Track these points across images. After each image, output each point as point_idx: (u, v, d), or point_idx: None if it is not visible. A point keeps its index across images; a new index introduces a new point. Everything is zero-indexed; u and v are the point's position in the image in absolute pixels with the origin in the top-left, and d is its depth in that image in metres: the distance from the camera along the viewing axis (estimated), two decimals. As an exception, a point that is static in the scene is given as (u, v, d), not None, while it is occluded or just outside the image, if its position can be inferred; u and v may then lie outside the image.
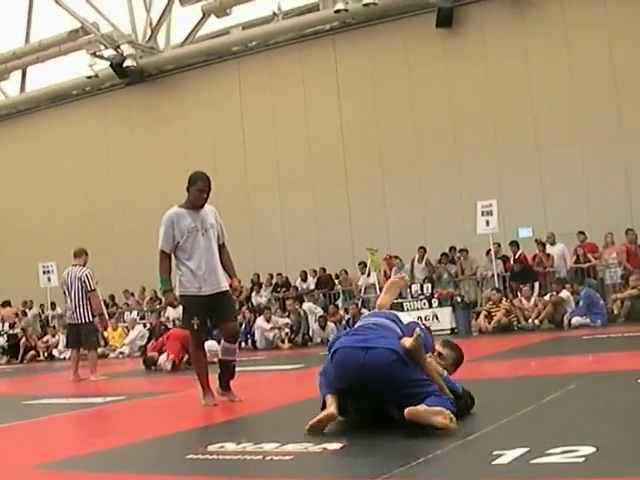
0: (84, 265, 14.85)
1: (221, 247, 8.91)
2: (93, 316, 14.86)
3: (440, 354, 6.39)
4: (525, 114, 24.40)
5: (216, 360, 15.42)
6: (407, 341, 5.80)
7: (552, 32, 24.30)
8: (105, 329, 23.48)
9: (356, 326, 6.30)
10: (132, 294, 29.47)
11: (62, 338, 23.86)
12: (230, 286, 8.96)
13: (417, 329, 5.91)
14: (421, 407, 5.44)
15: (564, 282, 19.95)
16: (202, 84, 30.28)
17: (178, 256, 8.72)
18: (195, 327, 8.65)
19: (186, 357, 15.85)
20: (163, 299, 8.61)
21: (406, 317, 6.46)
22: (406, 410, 5.41)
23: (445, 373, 6.14)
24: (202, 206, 8.77)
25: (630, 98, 22.93)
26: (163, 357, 15.93)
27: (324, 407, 5.89)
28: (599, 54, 23.54)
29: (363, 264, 24.37)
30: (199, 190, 8.73)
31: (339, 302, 24.34)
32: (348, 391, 5.83)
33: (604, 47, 23.47)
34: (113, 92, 32.55)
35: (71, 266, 15.17)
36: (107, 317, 27.50)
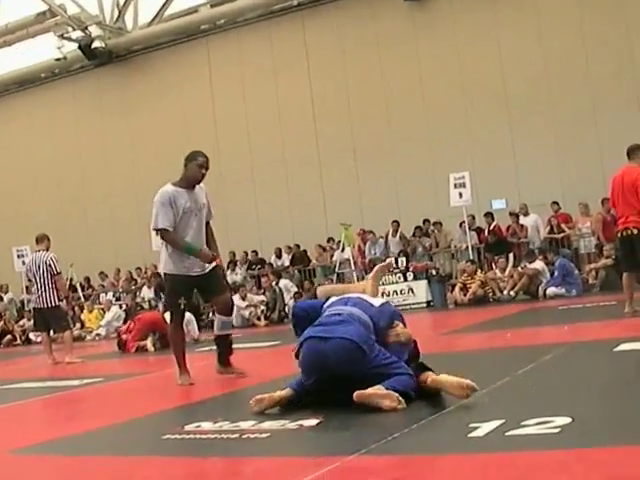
0: (47, 250, 14.80)
1: (206, 225, 8.88)
2: (59, 299, 14.82)
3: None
4: (497, 86, 24.41)
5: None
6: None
7: (523, 5, 24.30)
8: (73, 311, 23.47)
9: (324, 315, 6.27)
10: (107, 276, 29.42)
11: (29, 323, 23.81)
12: None
13: (398, 323, 5.96)
14: (370, 390, 5.46)
15: (533, 255, 19.99)
16: (172, 63, 30.13)
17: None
18: (181, 307, 8.61)
19: (149, 341, 15.90)
20: (200, 258, 8.34)
21: (375, 299, 6.45)
22: (354, 394, 5.45)
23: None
24: (198, 184, 8.68)
25: (601, 71, 22.98)
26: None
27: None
28: (570, 27, 23.56)
29: (332, 240, 24.48)
30: (199, 165, 8.59)
31: (316, 278, 24.34)
32: (320, 380, 5.84)
33: (575, 21, 23.50)
34: (82, 74, 32.36)
35: (34, 252, 15.19)
36: (83, 300, 27.58)
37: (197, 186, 8.71)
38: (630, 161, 11.62)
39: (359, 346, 5.70)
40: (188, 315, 16.77)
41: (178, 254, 8.49)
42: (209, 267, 8.63)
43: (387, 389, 5.47)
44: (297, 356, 6.02)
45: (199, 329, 18.34)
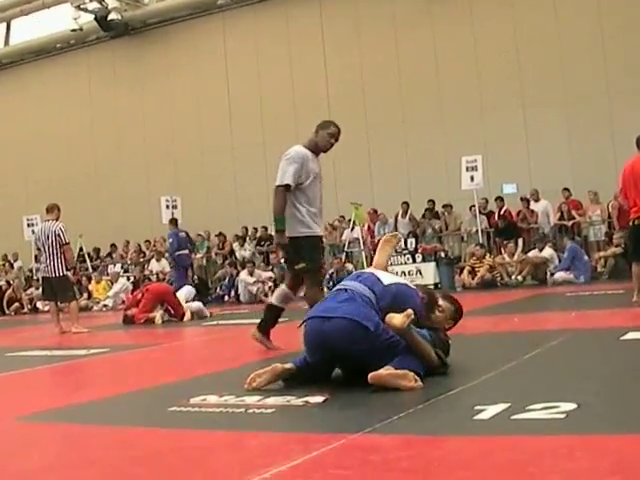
0: (57, 220, 14.81)
1: None
2: (67, 269, 14.86)
3: (439, 307, 6.42)
4: (511, 71, 24.37)
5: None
6: (395, 318, 5.71)
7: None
8: (79, 282, 23.54)
9: (332, 291, 6.27)
10: (116, 247, 29.48)
11: (37, 292, 23.88)
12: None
13: (409, 310, 5.80)
14: (384, 371, 5.43)
15: (545, 240, 19.98)
16: (187, 38, 30.12)
17: (298, 197, 8.42)
18: (322, 266, 8.60)
19: (159, 313, 15.93)
20: (274, 238, 8.24)
21: (388, 277, 6.32)
22: (369, 376, 5.41)
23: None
24: (324, 152, 8.65)
25: (617, 56, 22.88)
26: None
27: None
28: (587, 11, 23.47)
29: (343, 218, 24.48)
30: (330, 134, 8.53)
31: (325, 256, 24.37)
32: (323, 359, 5.85)
33: (592, 4, 23.39)
34: (97, 45, 32.40)
35: (44, 221, 15.22)
36: (91, 270, 27.66)
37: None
38: (639, 150, 11.60)
39: (361, 324, 5.63)
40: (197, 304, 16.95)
41: (310, 216, 8.42)
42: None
43: (397, 369, 5.45)
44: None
45: (205, 304, 18.30)
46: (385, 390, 5.32)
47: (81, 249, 27.78)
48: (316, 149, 8.55)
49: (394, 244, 7.21)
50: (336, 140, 8.58)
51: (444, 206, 23.47)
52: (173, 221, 21.92)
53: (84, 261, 28.06)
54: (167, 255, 23.57)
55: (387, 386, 5.37)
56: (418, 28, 25.93)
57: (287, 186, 8.30)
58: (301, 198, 8.41)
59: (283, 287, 9.02)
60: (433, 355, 5.86)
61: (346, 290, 6.01)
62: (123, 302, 17.66)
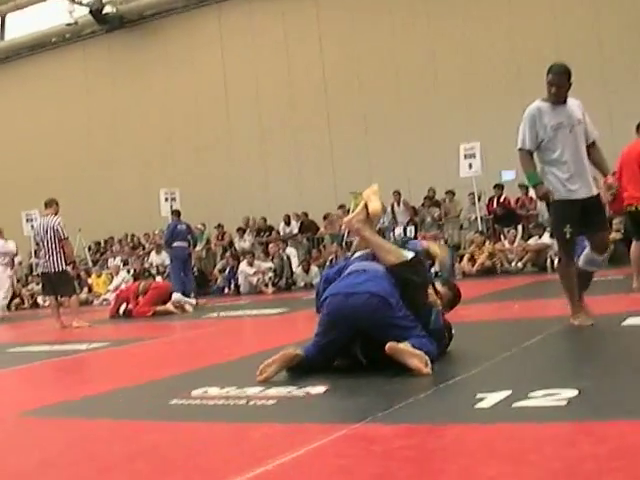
0: (56, 214, 14.81)
1: (590, 146, 8.00)
2: (66, 264, 14.86)
3: (438, 293, 6.48)
4: (507, 57, 24.32)
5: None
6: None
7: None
8: (78, 276, 23.53)
9: (347, 270, 6.30)
10: (114, 241, 29.51)
11: (38, 287, 23.91)
12: (604, 183, 8.37)
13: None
14: (402, 345, 5.52)
15: (541, 228, 19.96)
16: (183, 30, 30.08)
17: (541, 157, 7.90)
18: (567, 236, 7.75)
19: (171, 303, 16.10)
20: (534, 192, 7.72)
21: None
22: (387, 346, 5.49)
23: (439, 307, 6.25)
24: (563, 101, 7.79)
25: (611, 41, 22.88)
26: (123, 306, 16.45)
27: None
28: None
29: (343, 207, 24.44)
30: (548, 83, 7.78)
31: (325, 245, 24.36)
32: (339, 338, 5.88)
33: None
34: (93, 39, 32.34)
35: (42, 216, 15.24)
36: (91, 265, 27.68)
37: (571, 100, 7.89)
38: (638, 135, 11.58)
39: (386, 299, 5.79)
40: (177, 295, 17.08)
41: (556, 176, 7.74)
42: (594, 191, 7.84)
43: (415, 348, 5.53)
44: (318, 310, 6.06)
45: (205, 295, 18.30)
46: (385, 378, 5.34)
47: (79, 244, 27.78)
48: (551, 99, 7.86)
49: (376, 190, 7.10)
50: (556, 86, 7.74)
51: (446, 192, 23.43)
52: (176, 212, 21.90)
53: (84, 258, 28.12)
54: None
55: (399, 360, 5.46)
56: (415, 17, 25.88)
57: (522, 150, 7.97)
58: (545, 157, 7.89)
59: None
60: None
61: (365, 270, 6.13)
62: (118, 295, 17.50)
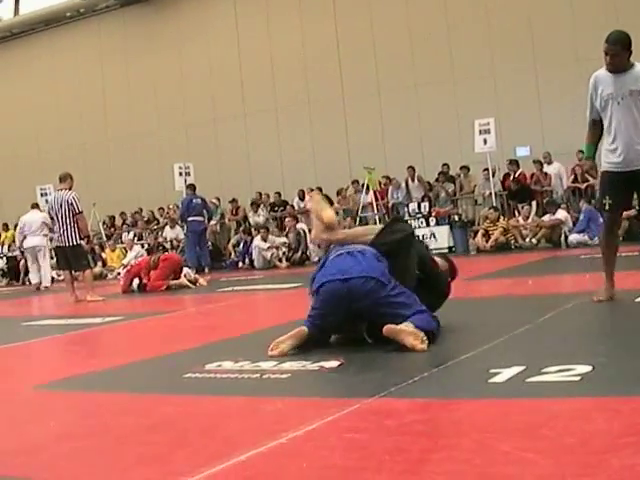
0: (70, 189, 14.82)
1: None
2: (81, 238, 14.88)
3: (435, 264, 6.68)
4: (523, 31, 24.19)
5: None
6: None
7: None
8: (92, 250, 23.57)
9: (333, 255, 6.29)
10: (128, 215, 29.54)
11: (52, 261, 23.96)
12: None
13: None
14: (400, 326, 5.54)
15: (557, 204, 19.90)
16: (198, 4, 30.00)
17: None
18: (607, 207, 7.55)
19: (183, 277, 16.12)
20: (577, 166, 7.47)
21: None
22: (384, 328, 5.53)
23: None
24: (623, 70, 7.35)
25: (632, 14, 22.69)
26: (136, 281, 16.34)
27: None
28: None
29: (357, 182, 24.42)
30: (604, 52, 7.34)
31: (339, 220, 24.35)
32: (335, 321, 5.93)
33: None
34: (108, 14, 32.30)
35: (57, 190, 15.24)
36: (105, 239, 27.72)
37: (635, 69, 7.38)
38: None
39: (379, 280, 5.81)
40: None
41: (606, 147, 7.60)
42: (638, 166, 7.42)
43: (416, 327, 5.54)
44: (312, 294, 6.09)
45: (218, 270, 18.29)
46: (399, 353, 5.35)
47: (93, 218, 27.81)
48: (609, 67, 7.49)
49: (318, 199, 7.07)
50: (610, 55, 7.33)
51: (461, 168, 23.35)
52: (191, 186, 21.92)
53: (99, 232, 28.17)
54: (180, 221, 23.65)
55: (395, 340, 5.49)
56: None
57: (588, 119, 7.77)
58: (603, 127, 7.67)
59: None
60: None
61: (349, 253, 6.14)
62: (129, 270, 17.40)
